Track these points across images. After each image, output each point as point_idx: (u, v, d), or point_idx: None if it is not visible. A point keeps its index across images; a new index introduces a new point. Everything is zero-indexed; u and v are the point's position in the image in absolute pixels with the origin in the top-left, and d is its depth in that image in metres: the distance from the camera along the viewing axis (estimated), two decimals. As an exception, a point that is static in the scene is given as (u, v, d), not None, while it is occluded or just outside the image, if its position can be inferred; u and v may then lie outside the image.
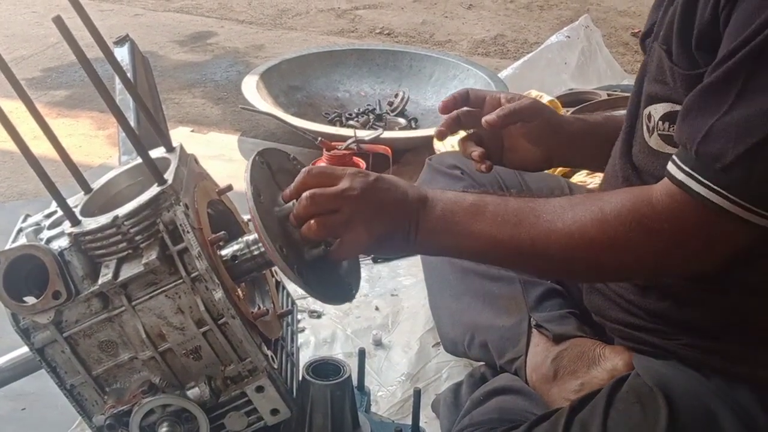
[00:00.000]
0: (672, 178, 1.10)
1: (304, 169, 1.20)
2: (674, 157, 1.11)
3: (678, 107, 1.16)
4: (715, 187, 1.05)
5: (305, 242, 1.19)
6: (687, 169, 1.08)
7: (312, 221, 1.16)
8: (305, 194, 1.16)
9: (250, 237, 1.23)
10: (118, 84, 1.81)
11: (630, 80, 3.05)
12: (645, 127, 1.27)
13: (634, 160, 1.30)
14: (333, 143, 2.56)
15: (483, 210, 1.20)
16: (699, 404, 1.19)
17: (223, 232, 1.20)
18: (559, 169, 2.38)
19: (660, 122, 1.23)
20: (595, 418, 1.21)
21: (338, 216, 1.17)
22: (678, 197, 1.09)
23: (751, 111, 1.02)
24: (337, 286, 1.26)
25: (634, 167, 1.30)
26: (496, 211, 1.19)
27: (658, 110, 1.23)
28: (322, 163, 2.50)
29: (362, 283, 2.12)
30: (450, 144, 2.52)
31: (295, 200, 1.21)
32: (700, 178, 1.06)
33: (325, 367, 1.28)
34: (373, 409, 1.57)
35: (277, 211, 1.20)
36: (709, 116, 1.06)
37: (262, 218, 1.13)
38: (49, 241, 1.17)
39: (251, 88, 3.07)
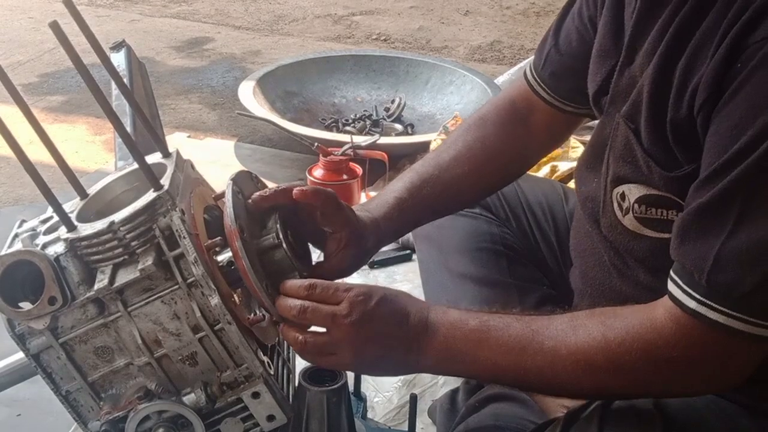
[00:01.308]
0: (682, 306, 1.04)
1: (308, 282, 1.15)
2: (678, 281, 1.05)
3: (654, 191, 1.14)
4: (735, 314, 1.00)
5: (282, 275, 1.20)
6: (699, 297, 1.03)
7: (300, 336, 1.15)
8: (301, 305, 1.14)
9: None
10: (115, 90, 1.80)
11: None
12: (617, 206, 1.24)
13: (605, 233, 1.29)
14: (329, 149, 2.56)
15: (486, 337, 1.15)
16: (693, 413, 1.19)
17: (219, 237, 1.20)
18: (558, 173, 2.39)
19: (635, 205, 1.20)
20: (591, 427, 1.21)
21: (327, 337, 1.14)
22: (688, 324, 1.04)
23: (759, 234, 0.98)
24: None
25: (607, 241, 1.29)
26: (499, 337, 1.14)
27: (631, 192, 1.21)
28: (318, 169, 2.50)
29: (359, 288, 2.14)
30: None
31: (274, 235, 1.20)
32: (716, 306, 1.01)
33: (322, 373, 1.27)
34: (369, 415, 1.57)
35: (256, 244, 1.21)
36: (713, 240, 1.01)
37: (251, 259, 1.14)
38: (45, 246, 1.17)
39: (248, 94, 3.08)
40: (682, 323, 1.04)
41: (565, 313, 1.16)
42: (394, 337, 1.15)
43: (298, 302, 1.14)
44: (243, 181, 1.27)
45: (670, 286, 1.06)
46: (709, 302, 1.02)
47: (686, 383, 1.09)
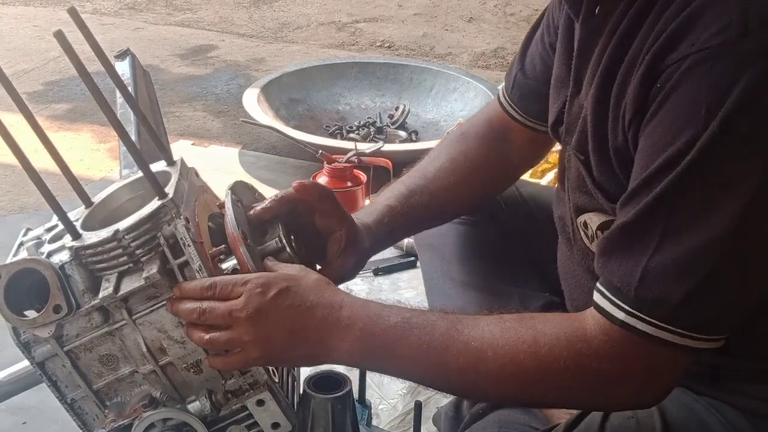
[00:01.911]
0: (610, 317, 1.04)
1: (208, 282, 1.13)
2: (606, 293, 1.05)
3: (613, 218, 1.13)
4: (665, 325, 1.01)
5: None
6: (628, 308, 1.02)
7: (205, 336, 1.13)
8: (198, 308, 1.12)
9: None
10: (119, 98, 1.81)
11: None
12: (583, 234, 1.25)
13: (579, 258, 1.29)
14: (334, 156, 2.57)
15: (407, 334, 1.12)
16: (693, 417, 1.19)
17: (223, 245, 1.20)
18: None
19: (599, 232, 1.21)
20: None
21: (226, 334, 1.12)
22: (617, 336, 1.04)
23: (683, 249, 0.99)
24: None
25: (584, 264, 1.29)
26: (421, 335, 1.11)
27: (593, 220, 1.21)
28: (323, 177, 2.51)
29: (363, 296, 2.14)
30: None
31: (278, 239, 1.22)
32: (645, 317, 1.01)
33: (326, 381, 1.27)
34: (374, 422, 1.57)
35: (260, 250, 1.22)
36: (639, 257, 1.01)
37: (255, 265, 1.16)
38: (50, 254, 1.17)
39: (252, 101, 3.08)
40: (611, 335, 1.04)
41: (493, 315, 1.15)
42: (298, 329, 1.13)
43: (195, 304, 1.12)
44: (241, 191, 1.28)
45: (597, 297, 1.06)
46: (639, 314, 1.02)
47: (610, 395, 1.08)
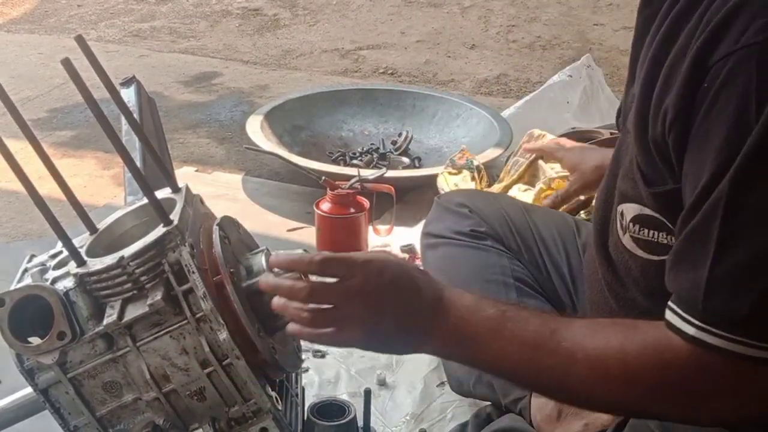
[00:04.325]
0: (681, 333, 1.03)
1: (321, 257, 1.13)
2: (676, 309, 1.04)
3: (647, 211, 1.14)
4: (736, 337, 0.99)
5: (274, 316, 1.20)
6: (698, 322, 1.01)
7: (305, 313, 1.12)
8: (306, 288, 1.11)
9: None
10: (125, 125, 1.81)
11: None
12: (619, 224, 1.25)
13: (611, 251, 1.29)
14: (337, 182, 2.57)
15: (501, 327, 1.11)
16: None
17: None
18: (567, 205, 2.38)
19: (631, 224, 1.20)
20: None
21: (335, 313, 1.12)
22: (690, 351, 1.02)
23: (745, 257, 0.97)
24: (294, 352, 1.31)
25: (610, 261, 1.29)
26: (514, 329, 1.11)
27: (629, 210, 1.21)
28: (326, 203, 2.51)
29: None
30: (453, 183, 2.53)
31: (269, 274, 1.19)
32: (714, 330, 1.00)
33: (330, 408, 1.27)
34: (378, 450, 1.56)
35: (246, 288, 1.21)
36: (700, 268, 1.00)
37: (242, 302, 1.16)
38: (54, 281, 1.17)
39: (255, 128, 3.09)
40: (686, 351, 1.02)
41: (585, 318, 1.14)
42: (405, 314, 1.12)
43: (302, 284, 1.12)
44: (228, 227, 1.28)
45: (668, 315, 1.05)
46: (709, 327, 1.00)
47: (695, 406, 1.06)
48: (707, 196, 1.00)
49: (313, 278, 1.14)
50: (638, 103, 1.13)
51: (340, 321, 1.12)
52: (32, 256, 1.29)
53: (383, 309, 1.12)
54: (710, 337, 1.00)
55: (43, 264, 1.24)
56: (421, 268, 1.87)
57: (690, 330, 1.01)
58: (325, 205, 2.51)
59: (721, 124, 0.98)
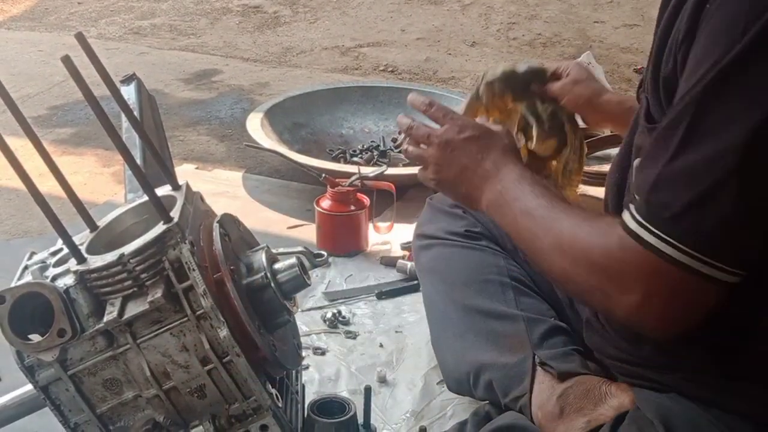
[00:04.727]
0: (624, 225, 1.08)
1: (428, 100, 1.47)
2: (629, 204, 1.10)
3: None
4: (665, 237, 1.03)
5: (273, 313, 1.24)
6: (638, 217, 1.06)
7: (408, 143, 1.45)
8: (410, 123, 1.45)
9: None
10: (125, 122, 1.82)
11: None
12: (634, 179, 1.26)
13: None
14: (337, 180, 2.57)
15: (518, 201, 1.28)
16: (697, 429, 1.19)
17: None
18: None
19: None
20: None
21: (418, 150, 1.44)
22: (627, 243, 1.07)
23: (697, 157, 1.01)
24: (294, 350, 1.32)
25: None
26: (521, 206, 1.28)
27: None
28: (326, 200, 2.51)
29: (366, 320, 2.14)
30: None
31: (263, 275, 1.25)
32: (649, 226, 1.05)
33: (330, 405, 1.27)
34: (378, 447, 1.56)
35: (246, 285, 1.23)
36: (657, 164, 1.05)
37: (243, 301, 1.17)
38: (54, 278, 1.18)
39: (256, 125, 3.09)
40: (624, 241, 1.07)
41: (581, 211, 1.22)
42: (468, 170, 1.37)
43: (409, 120, 1.45)
44: (228, 224, 1.28)
45: (624, 213, 1.10)
46: (644, 222, 1.05)
47: (610, 294, 1.11)
48: (681, 102, 1.04)
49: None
50: (654, 49, 1.17)
51: (422, 159, 1.43)
52: (32, 254, 1.29)
53: (451, 158, 1.39)
54: (646, 234, 1.05)
55: (43, 261, 1.24)
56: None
57: (632, 224, 1.07)
58: (326, 203, 2.51)
59: (711, 39, 1.02)
